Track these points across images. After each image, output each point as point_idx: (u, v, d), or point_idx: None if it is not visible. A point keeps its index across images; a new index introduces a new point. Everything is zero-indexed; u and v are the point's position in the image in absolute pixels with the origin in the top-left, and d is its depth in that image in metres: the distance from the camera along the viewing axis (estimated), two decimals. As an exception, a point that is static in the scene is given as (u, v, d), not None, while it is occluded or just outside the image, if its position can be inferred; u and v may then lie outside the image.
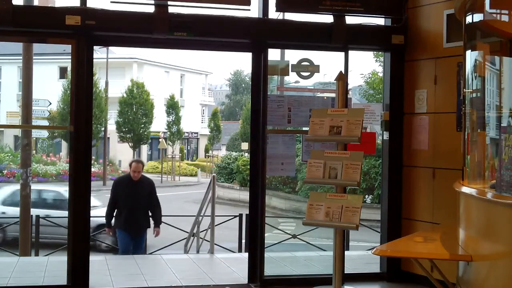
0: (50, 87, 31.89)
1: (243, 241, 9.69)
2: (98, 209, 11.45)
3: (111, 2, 5.73)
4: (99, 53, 35.07)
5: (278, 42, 6.39)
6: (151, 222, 8.38)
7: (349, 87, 6.81)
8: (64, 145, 35.23)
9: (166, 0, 5.82)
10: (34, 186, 11.54)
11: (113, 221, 8.26)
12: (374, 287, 6.38)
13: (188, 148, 50.20)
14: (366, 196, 17.62)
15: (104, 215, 8.27)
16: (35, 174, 25.64)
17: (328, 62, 10.00)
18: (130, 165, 8.36)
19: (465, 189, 4.42)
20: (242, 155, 27.07)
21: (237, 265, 7.02)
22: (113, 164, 35.27)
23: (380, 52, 17.14)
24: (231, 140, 48.28)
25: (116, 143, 37.96)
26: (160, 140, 38.10)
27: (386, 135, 6.53)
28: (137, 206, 8.15)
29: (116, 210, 8.21)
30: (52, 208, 13.29)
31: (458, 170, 5.30)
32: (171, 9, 5.84)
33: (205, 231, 9.33)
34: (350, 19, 6.26)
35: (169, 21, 5.79)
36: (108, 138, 35.25)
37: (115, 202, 8.24)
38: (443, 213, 5.99)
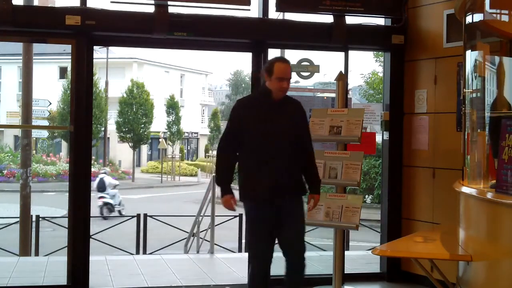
0: (50, 87, 31.92)
1: (243, 241, 9.69)
2: None
3: (111, 2, 5.72)
4: (99, 53, 35.05)
5: (278, 42, 6.38)
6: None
7: (349, 87, 6.80)
8: (64, 145, 35.20)
9: (166, 0, 5.82)
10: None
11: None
12: (374, 287, 6.38)
13: (188, 148, 50.17)
14: (366, 196, 17.61)
15: (215, 173, 4.49)
16: (35, 174, 25.66)
17: (328, 62, 9.97)
18: (270, 69, 4.32)
19: (465, 189, 4.41)
20: (242, 155, 27.00)
21: (237, 265, 7.02)
22: (113, 164, 35.23)
23: (380, 52, 17.14)
24: (231, 140, 48.17)
25: (116, 143, 37.93)
26: (160, 140, 38.09)
27: (386, 135, 6.53)
28: (282, 150, 4.30)
29: (239, 161, 4.42)
30: None
31: (458, 170, 5.29)
32: (171, 9, 5.83)
33: (205, 231, 9.34)
34: (350, 19, 6.26)
35: (169, 21, 5.78)
36: (108, 138, 35.26)
37: (236, 145, 4.38)
38: (443, 213, 5.99)
